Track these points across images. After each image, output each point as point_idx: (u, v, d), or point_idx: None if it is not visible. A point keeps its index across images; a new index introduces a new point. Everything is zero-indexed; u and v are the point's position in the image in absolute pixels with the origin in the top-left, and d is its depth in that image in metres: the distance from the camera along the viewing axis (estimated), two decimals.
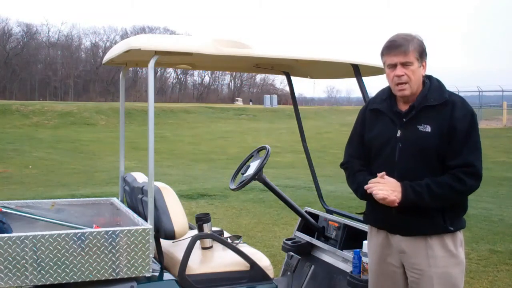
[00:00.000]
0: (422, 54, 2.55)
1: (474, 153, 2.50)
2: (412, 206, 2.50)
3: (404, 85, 2.53)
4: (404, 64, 2.51)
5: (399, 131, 2.59)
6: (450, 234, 2.57)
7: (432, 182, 2.48)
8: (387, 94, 2.70)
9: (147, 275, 2.86)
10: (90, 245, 2.72)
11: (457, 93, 2.67)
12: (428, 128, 2.52)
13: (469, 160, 2.48)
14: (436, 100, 2.54)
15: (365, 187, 2.56)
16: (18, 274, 2.62)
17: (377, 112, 2.71)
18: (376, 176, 2.57)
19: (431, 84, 2.61)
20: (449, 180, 2.48)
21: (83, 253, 2.72)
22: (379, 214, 2.66)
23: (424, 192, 2.47)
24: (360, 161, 2.76)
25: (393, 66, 2.54)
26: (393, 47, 2.53)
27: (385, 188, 2.49)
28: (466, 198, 2.63)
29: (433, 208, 2.52)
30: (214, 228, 3.75)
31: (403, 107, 2.63)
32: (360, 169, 2.74)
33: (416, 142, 2.53)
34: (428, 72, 2.66)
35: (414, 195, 2.48)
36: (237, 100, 70.62)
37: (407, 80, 2.52)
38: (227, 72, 72.74)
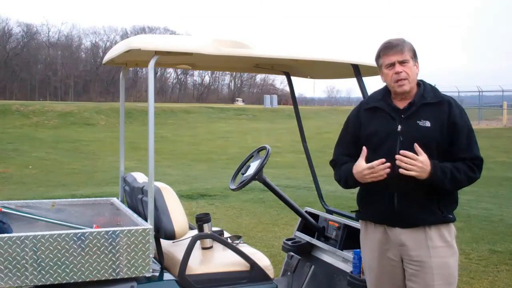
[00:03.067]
0: (415, 54, 2.74)
1: (477, 148, 2.71)
2: (429, 186, 2.56)
3: (403, 81, 2.68)
4: (402, 62, 2.68)
5: (399, 126, 2.69)
6: (446, 225, 2.69)
7: (453, 167, 2.60)
8: (382, 94, 2.83)
9: (147, 275, 2.86)
10: (90, 245, 2.73)
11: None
12: (428, 124, 2.65)
13: (477, 154, 2.68)
14: (433, 99, 2.71)
15: (397, 157, 2.55)
16: (18, 274, 2.63)
17: (374, 110, 2.81)
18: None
19: (425, 86, 2.78)
20: (465, 168, 2.62)
21: (83, 253, 2.72)
22: (379, 209, 2.72)
23: (448, 173, 2.58)
24: (349, 158, 2.83)
25: (392, 65, 2.70)
26: (390, 47, 2.71)
27: (414, 167, 2.51)
28: (456, 192, 2.76)
29: (430, 200, 2.64)
30: (214, 228, 3.75)
31: (401, 105, 2.75)
32: (346, 162, 2.81)
33: (417, 136, 2.63)
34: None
35: (441, 174, 2.56)
36: (237, 100, 70.60)
37: (406, 77, 2.68)
38: (227, 72, 72.66)
